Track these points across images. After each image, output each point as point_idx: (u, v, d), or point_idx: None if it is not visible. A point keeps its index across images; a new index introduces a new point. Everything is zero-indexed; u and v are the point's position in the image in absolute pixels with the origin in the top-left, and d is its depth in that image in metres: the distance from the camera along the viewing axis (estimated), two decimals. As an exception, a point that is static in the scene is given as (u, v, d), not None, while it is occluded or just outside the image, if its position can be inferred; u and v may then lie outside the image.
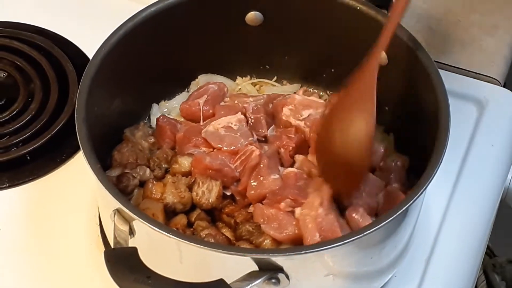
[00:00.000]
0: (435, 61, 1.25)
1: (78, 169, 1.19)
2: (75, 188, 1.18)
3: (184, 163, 1.10)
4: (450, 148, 1.14)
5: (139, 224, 0.92)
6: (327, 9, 1.16)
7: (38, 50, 1.33)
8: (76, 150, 1.22)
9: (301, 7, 1.17)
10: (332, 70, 1.23)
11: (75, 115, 1.00)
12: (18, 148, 1.22)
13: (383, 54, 1.09)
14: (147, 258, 0.90)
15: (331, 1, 1.15)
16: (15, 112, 1.26)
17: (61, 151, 1.23)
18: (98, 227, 1.15)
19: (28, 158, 1.22)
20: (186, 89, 1.25)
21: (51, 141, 1.23)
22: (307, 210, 1.02)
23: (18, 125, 1.24)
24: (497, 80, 1.34)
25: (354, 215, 1.04)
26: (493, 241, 1.27)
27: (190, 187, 1.07)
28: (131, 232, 0.94)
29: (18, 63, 1.31)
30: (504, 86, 1.34)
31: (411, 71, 1.10)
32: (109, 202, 0.95)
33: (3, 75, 1.30)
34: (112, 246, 0.96)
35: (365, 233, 0.91)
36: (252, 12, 1.17)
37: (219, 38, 1.19)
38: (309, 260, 0.92)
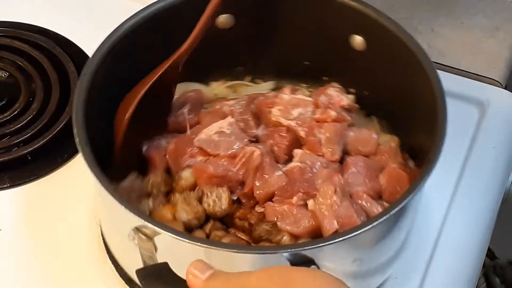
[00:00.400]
0: (436, 63, 1.31)
1: (79, 169, 1.14)
2: (76, 188, 1.18)
3: (188, 176, 1.09)
4: (451, 149, 1.14)
5: (164, 238, 0.91)
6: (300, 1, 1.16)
7: (40, 50, 1.32)
8: (77, 150, 1.16)
9: (272, 5, 1.17)
10: (306, 63, 1.23)
11: (75, 139, 1.00)
12: (19, 148, 1.21)
13: (360, 39, 1.12)
14: (176, 270, 0.89)
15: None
16: (16, 112, 1.25)
17: (62, 151, 1.22)
18: (99, 227, 1.15)
19: (29, 158, 1.21)
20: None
21: (52, 141, 1.22)
22: (321, 199, 1.03)
23: (19, 125, 1.24)
24: (499, 82, 1.34)
25: (359, 201, 1.05)
26: (494, 242, 1.27)
27: (199, 200, 1.06)
28: (155, 247, 0.93)
29: (20, 63, 1.31)
30: (505, 88, 1.35)
31: (406, 66, 1.10)
32: (126, 221, 0.94)
33: (4, 75, 1.31)
34: (142, 265, 0.93)
35: (391, 212, 0.93)
36: (224, 15, 1.17)
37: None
38: (340, 248, 0.92)
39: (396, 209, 0.92)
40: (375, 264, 1.02)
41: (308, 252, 0.89)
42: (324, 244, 0.90)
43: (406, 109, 1.12)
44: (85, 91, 1.03)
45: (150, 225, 0.91)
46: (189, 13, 1.13)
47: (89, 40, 1.07)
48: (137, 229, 0.92)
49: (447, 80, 1.23)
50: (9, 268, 1.13)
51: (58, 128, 1.24)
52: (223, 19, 1.16)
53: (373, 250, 0.99)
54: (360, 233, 0.91)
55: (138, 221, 0.91)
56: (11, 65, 1.32)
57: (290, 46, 1.20)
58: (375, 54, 1.13)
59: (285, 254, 0.88)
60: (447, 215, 1.18)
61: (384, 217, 0.92)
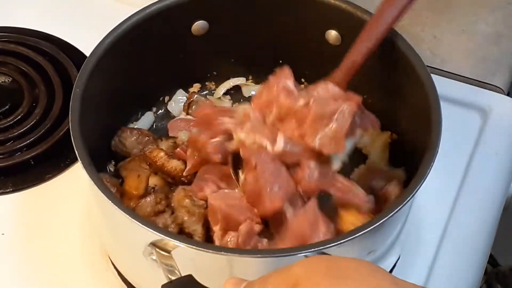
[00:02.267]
0: (439, 69, 1.32)
1: (82, 174, 1.18)
2: (79, 193, 1.19)
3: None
4: (453, 156, 1.20)
5: (185, 251, 0.90)
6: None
7: (43, 56, 1.33)
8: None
9: (246, 7, 1.19)
10: (281, 61, 1.22)
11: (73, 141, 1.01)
12: (22, 153, 1.23)
13: (334, 34, 1.14)
14: (202, 280, 0.89)
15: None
16: (19, 117, 1.26)
17: (65, 156, 1.23)
18: (103, 248, 1.15)
19: (32, 163, 1.22)
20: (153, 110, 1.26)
21: (55, 146, 1.23)
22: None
23: (22, 130, 1.24)
24: (501, 89, 1.35)
25: None
26: (496, 249, 1.28)
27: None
28: (175, 260, 0.92)
29: (23, 68, 1.32)
30: (508, 95, 1.35)
31: (399, 69, 1.10)
32: (140, 237, 0.92)
33: (8, 80, 1.31)
34: (166, 280, 0.92)
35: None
36: (198, 22, 1.19)
37: (168, 54, 1.21)
38: (355, 242, 0.92)
39: (382, 220, 0.93)
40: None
41: (331, 250, 0.89)
42: (346, 239, 0.90)
43: (397, 109, 1.13)
44: (80, 101, 1.05)
45: (169, 239, 0.90)
46: (182, 16, 1.16)
47: (93, 45, 1.08)
48: (154, 245, 0.91)
49: (450, 87, 1.29)
50: (12, 272, 1.13)
51: (61, 133, 1.24)
52: (198, 26, 1.19)
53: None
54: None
55: (155, 236, 0.90)
56: (15, 70, 1.32)
57: (264, 47, 1.23)
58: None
59: (308, 254, 0.88)
60: (449, 221, 1.19)
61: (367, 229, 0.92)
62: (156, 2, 1.14)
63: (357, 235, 0.90)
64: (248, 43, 1.23)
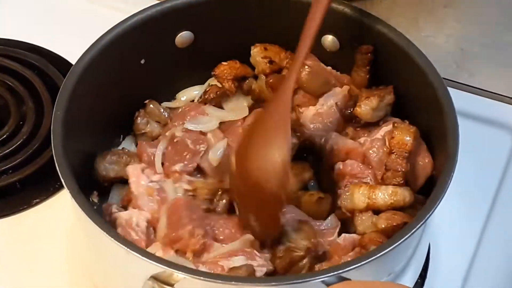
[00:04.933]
0: (466, 85, 1.32)
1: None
2: (69, 220, 1.16)
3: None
4: (482, 178, 1.20)
5: (189, 283, 0.90)
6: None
7: (32, 69, 1.33)
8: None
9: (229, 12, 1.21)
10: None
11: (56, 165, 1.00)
12: (7, 176, 1.22)
13: (330, 38, 1.16)
14: None
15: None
16: (5, 136, 1.26)
17: (54, 179, 1.21)
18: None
19: (19, 186, 1.22)
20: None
21: (44, 168, 1.22)
22: None
23: (7, 151, 1.24)
24: (536, 107, 1.33)
25: None
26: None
27: None
28: None
29: (10, 83, 1.31)
30: (543, 113, 1.33)
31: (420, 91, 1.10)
32: (140, 270, 0.92)
33: (-8, 96, 1.29)
34: None
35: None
36: (182, 33, 1.20)
37: (155, 66, 1.22)
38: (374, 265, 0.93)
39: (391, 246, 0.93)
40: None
41: (349, 273, 0.91)
42: (363, 262, 0.91)
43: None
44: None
45: (173, 270, 0.90)
46: (169, 24, 1.17)
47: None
48: (155, 278, 0.91)
49: (478, 104, 1.29)
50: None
51: (51, 154, 1.15)
52: (182, 37, 1.20)
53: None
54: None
55: (157, 268, 0.90)
56: (1, 85, 1.31)
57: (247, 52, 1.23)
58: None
59: (326, 279, 0.90)
60: (478, 247, 1.19)
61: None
62: (138, 12, 1.16)
63: (378, 255, 0.92)
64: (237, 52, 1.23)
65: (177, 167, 1.12)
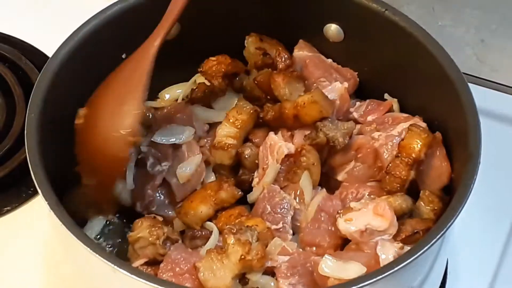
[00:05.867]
0: (487, 80, 1.28)
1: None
2: (43, 228, 1.12)
3: None
4: (505, 185, 1.16)
5: None
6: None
7: (2, 62, 1.30)
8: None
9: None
10: None
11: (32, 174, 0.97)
12: None
13: (334, 27, 1.13)
14: None
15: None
16: None
17: (27, 184, 1.19)
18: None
19: None
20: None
21: (15, 172, 1.19)
22: None
23: None
24: None
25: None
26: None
27: None
28: None
29: None
30: None
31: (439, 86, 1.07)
32: None
33: (-42, 92, 1.25)
34: None
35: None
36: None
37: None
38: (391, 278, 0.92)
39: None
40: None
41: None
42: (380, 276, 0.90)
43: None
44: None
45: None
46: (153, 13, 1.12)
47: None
48: None
49: (500, 101, 1.27)
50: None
51: (23, 156, 1.17)
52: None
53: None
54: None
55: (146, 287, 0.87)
56: None
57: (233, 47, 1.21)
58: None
59: None
60: (499, 267, 1.15)
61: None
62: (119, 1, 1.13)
63: (395, 269, 0.90)
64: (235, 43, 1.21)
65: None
